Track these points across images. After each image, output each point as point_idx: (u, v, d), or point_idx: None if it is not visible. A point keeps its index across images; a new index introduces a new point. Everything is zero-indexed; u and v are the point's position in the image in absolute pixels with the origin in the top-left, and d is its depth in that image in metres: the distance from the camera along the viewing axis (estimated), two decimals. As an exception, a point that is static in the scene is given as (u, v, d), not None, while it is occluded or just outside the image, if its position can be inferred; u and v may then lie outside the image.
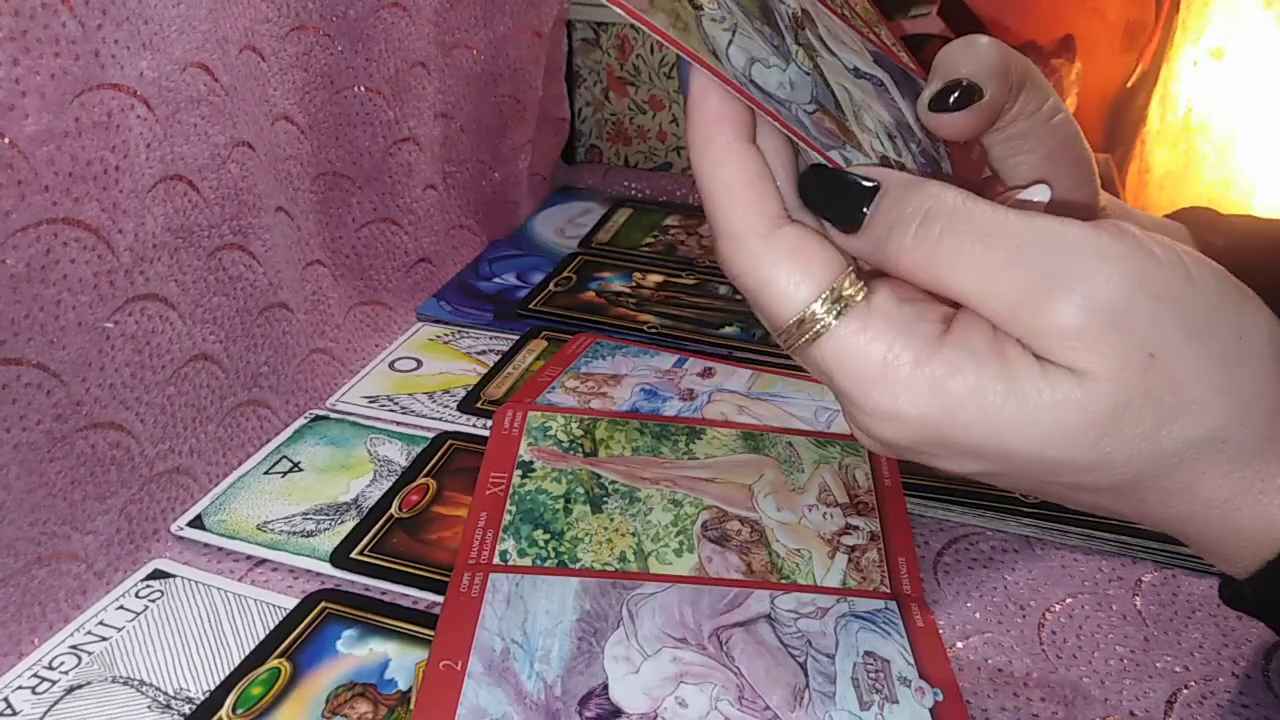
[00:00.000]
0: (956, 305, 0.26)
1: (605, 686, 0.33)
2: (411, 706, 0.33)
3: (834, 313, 0.25)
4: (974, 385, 0.24)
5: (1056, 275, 0.23)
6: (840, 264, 0.26)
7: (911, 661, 0.35)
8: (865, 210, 0.26)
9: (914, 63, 0.36)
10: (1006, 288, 0.24)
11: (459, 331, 0.58)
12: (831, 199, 0.26)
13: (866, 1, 0.36)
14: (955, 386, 0.24)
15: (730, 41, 0.27)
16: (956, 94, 0.30)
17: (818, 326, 0.25)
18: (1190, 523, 0.26)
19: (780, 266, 0.26)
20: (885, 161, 0.29)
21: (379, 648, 0.36)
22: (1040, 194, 0.30)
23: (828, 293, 0.25)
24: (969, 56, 0.30)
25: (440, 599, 0.37)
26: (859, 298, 0.25)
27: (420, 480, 0.44)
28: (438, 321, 0.59)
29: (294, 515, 0.42)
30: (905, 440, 0.25)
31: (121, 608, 0.37)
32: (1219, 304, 0.24)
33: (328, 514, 0.43)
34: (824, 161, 0.27)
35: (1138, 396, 0.23)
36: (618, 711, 0.32)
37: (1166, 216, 0.40)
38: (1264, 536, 0.25)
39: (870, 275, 0.26)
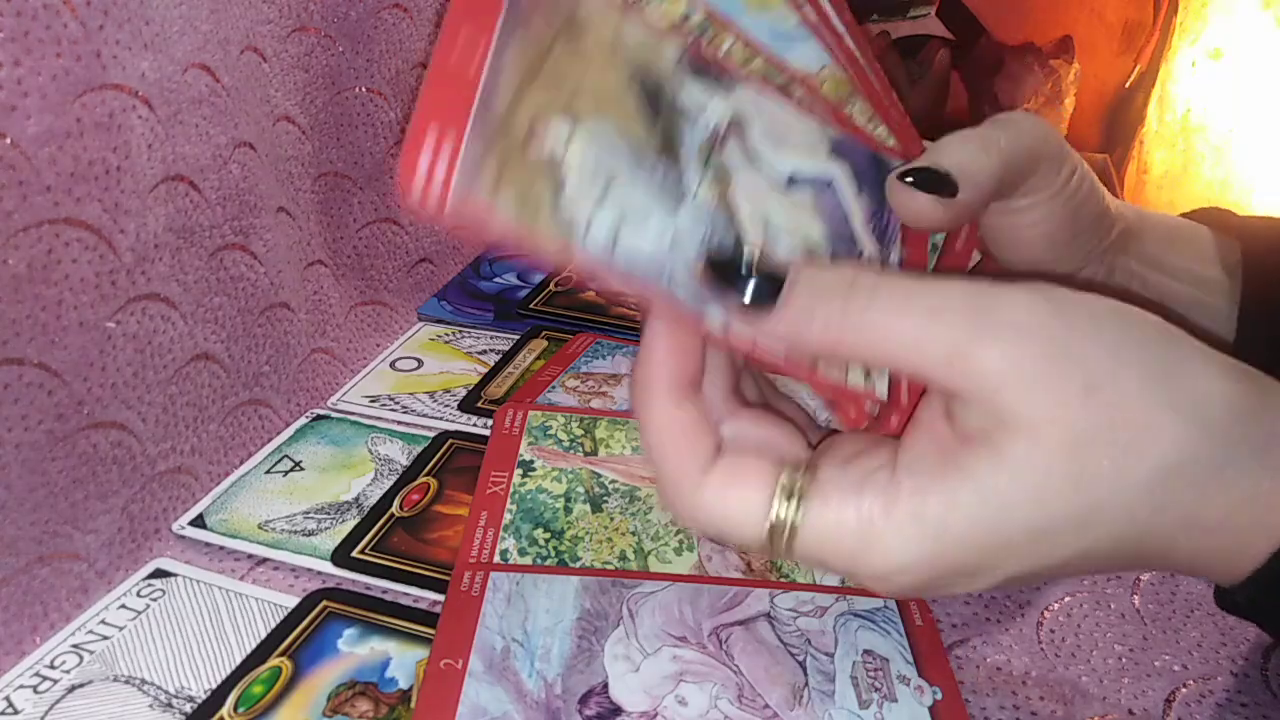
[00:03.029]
0: (890, 436, 0.27)
1: (605, 685, 0.33)
2: (412, 705, 0.33)
3: (793, 509, 0.25)
4: (945, 501, 0.24)
5: (980, 327, 0.24)
6: (773, 465, 0.26)
7: (910, 660, 0.35)
8: (778, 290, 0.26)
9: (901, 132, 0.34)
10: (936, 344, 0.24)
11: (460, 331, 0.58)
12: (741, 278, 0.26)
13: (852, 74, 0.34)
14: (930, 512, 0.24)
15: (598, 208, 0.26)
16: (928, 177, 0.30)
17: (787, 528, 0.26)
18: (1199, 557, 0.26)
19: (725, 500, 0.26)
20: None
21: (380, 646, 0.36)
22: None
23: (777, 495, 0.26)
24: (957, 154, 0.30)
25: (441, 598, 0.37)
26: (807, 483, 0.26)
27: (421, 479, 0.45)
28: (439, 321, 0.59)
29: (295, 514, 0.42)
30: (920, 581, 0.26)
31: (123, 607, 0.37)
32: (1133, 330, 0.25)
33: (329, 513, 0.43)
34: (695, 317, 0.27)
35: (1089, 430, 0.23)
36: (618, 710, 0.33)
37: (1185, 216, 0.40)
38: (1258, 542, 0.25)
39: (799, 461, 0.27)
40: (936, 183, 0.30)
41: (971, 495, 0.24)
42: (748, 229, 0.29)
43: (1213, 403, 0.24)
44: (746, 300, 0.26)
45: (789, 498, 0.26)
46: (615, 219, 0.26)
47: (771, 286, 0.26)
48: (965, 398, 0.25)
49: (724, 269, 0.26)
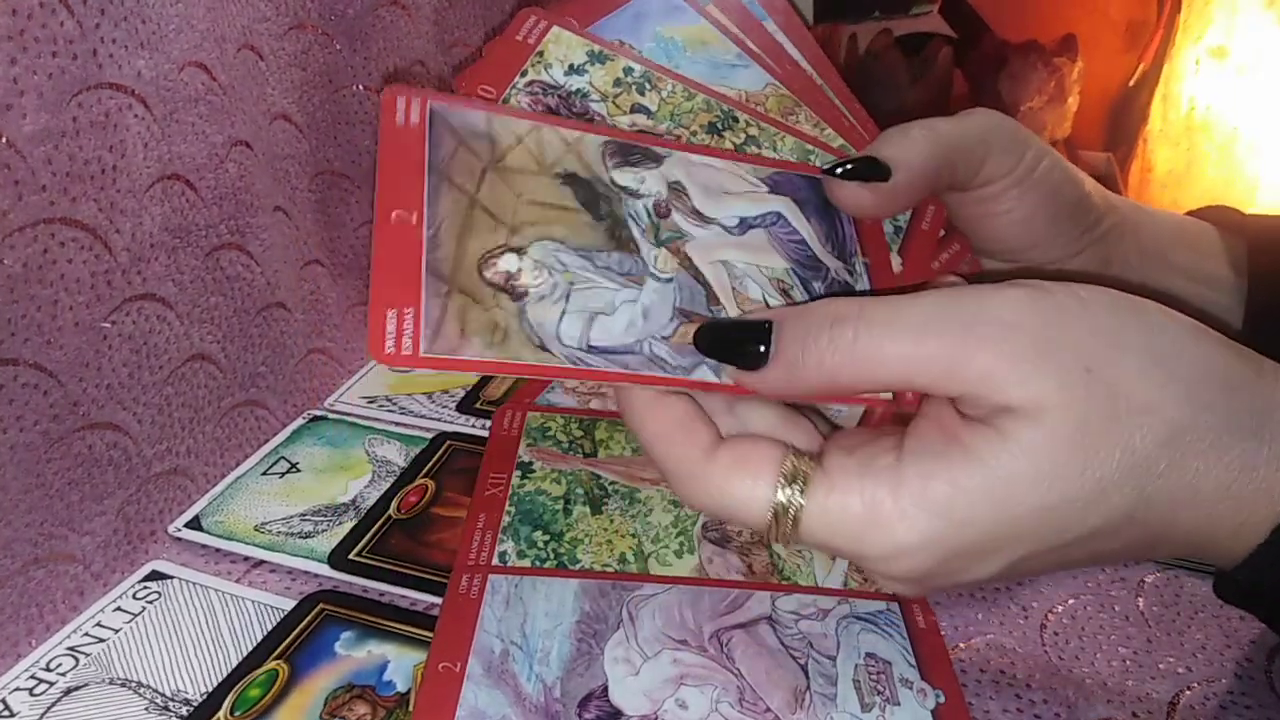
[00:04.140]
0: (897, 429, 0.27)
1: (605, 688, 0.33)
2: (410, 708, 0.33)
3: (799, 492, 0.26)
4: (951, 481, 0.24)
5: (969, 332, 0.24)
6: (780, 449, 0.27)
7: (913, 663, 0.35)
8: (767, 345, 0.26)
9: (848, 131, 0.36)
10: (931, 359, 0.24)
11: (458, 331, 0.58)
12: (730, 345, 0.27)
13: (795, 88, 0.36)
14: (936, 493, 0.24)
15: (563, 313, 0.27)
16: (857, 165, 0.31)
17: (792, 511, 0.26)
18: (1200, 531, 0.26)
19: (731, 482, 0.26)
20: None
21: (377, 649, 0.36)
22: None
23: (783, 479, 0.26)
24: (894, 143, 0.31)
25: (439, 600, 0.37)
26: (811, 469, 0.26)
27: (419, 481, 0.44)
28: (437, 321, 0.59)
29: (292, 516, 0.42)
30: (923, 568, 0.26)
31: (119, 609, 0.37)
32: (1125, 315, 0.25)
33: (326, 515, 0.42)
34: (686, 391, 0.28)
35: (1092, 411, 0.24)
36: (618, 713, 0.32)
37: (1190, 214, 0.40)
38: (1259, 511, 0.25)
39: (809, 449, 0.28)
40: (868, 170, 0.31)
41: (978, 476, 0.24)
42: (713, 281, 0.30)
43: (1211, 378, 0.24)
44: (738, 361, 0.27)
45: (793, 482, 0.26)
46: (582, 318, 0.27)
47: (759, 342, 0.26)
48: (969, 399, 0.25)
49: (711, 336, 0.27)
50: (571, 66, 0.34)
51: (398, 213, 0.27)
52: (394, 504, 0.43)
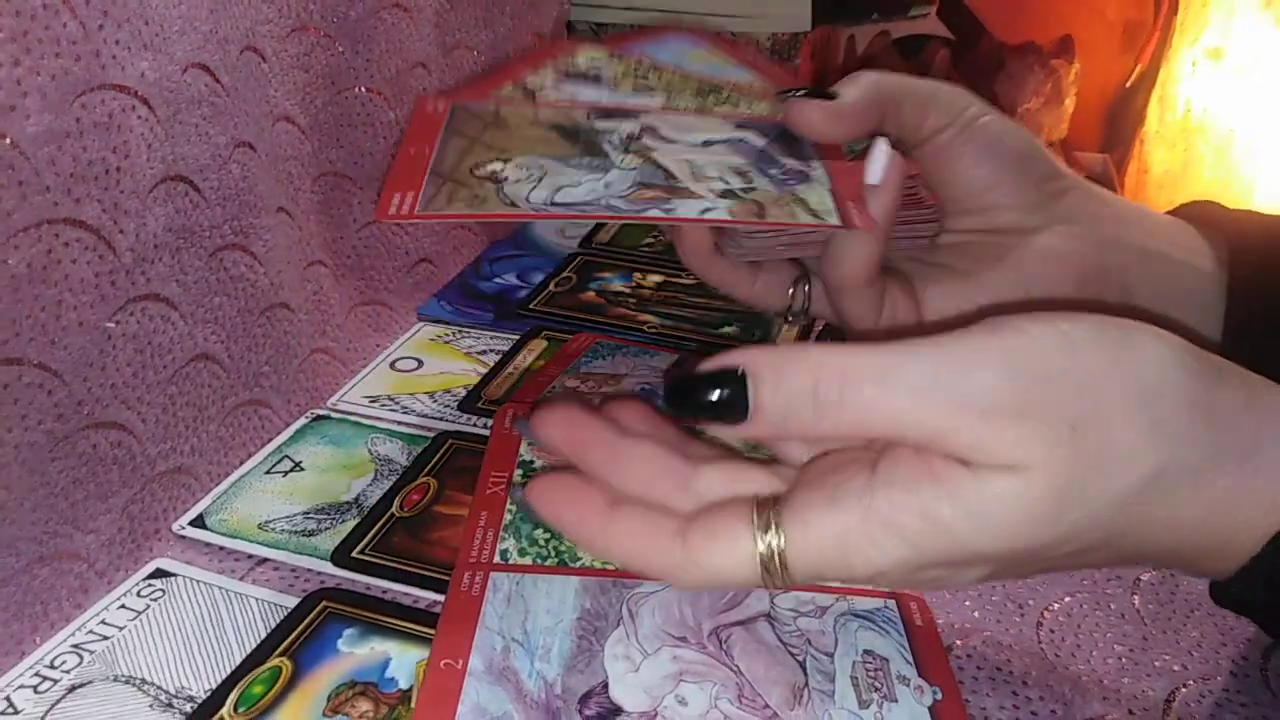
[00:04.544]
0: (870, 452, 0.27)
1: (605, 685, 0.33)
2: (412, 705, 0.33)
3: (777, 538, 0.26)
4: (922, 514, 0.25)
5: (954, 395, 0.24)
6: (745, 505, 0.27)
7: (910, 660, 0.35)
8: (744, 399, 0.26)
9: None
10: (918, 428, 0.25)
11: (460, 331, 0.58)
12: (702, 405, 0.27)
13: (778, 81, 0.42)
14: (908, 524, 0.25)
15: (533, 188, 0.34)
16: (804, 90, 0.36)
17: (776, 556, 0.26)
18: (1180, 552, 0.26)
19: (714, 557, 0.27)
20: (729, 193, 0.34)
21: (380, 646, 0.36)
22: (880, 153, 0.35)
23: (758, 530, 0.26)
24: (847, 80, 0.36)
25: (441, 598, 0.37)
26: (781, 512, 0.26)
27: (421, 480, 0.45)
28: (438, 321, 0.59)
29: (295, 514, 0.42)
30: (905, 582, 0.27)
31: (123, 607, 0.37)
32: (1110, 352, 0.25)
33: (329, 513, 0.43)
34: (648, 222, 0.33)
35: (1077, 467, 0.24)
36: (618, 710, 0.33)
37: (1169, 213, 0.40)
38: (1244, 539, 0.25)
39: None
40: (815, 92, 0.36)
41: (948, 514, 0.24)
42: (673, 168, 0.35)
43: (1196, 414, 0.25)
44: (714, 420, 0.27)
45: (767, 529, 0.26)
46: (550, 189, 0.34)
47: (736, 393, 0.26)
48: (962, 458, 0.25)
49: (680, 393, 0.27)
50: (592, 59, 0.42)
51: (414, 150, 0.35)
52: (396, 502, 0.43)
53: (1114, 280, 0.37)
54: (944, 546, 0.25)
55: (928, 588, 0.28)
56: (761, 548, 0.26)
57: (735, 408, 0.26)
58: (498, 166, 0.34)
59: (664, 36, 0.44)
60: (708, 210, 0.33)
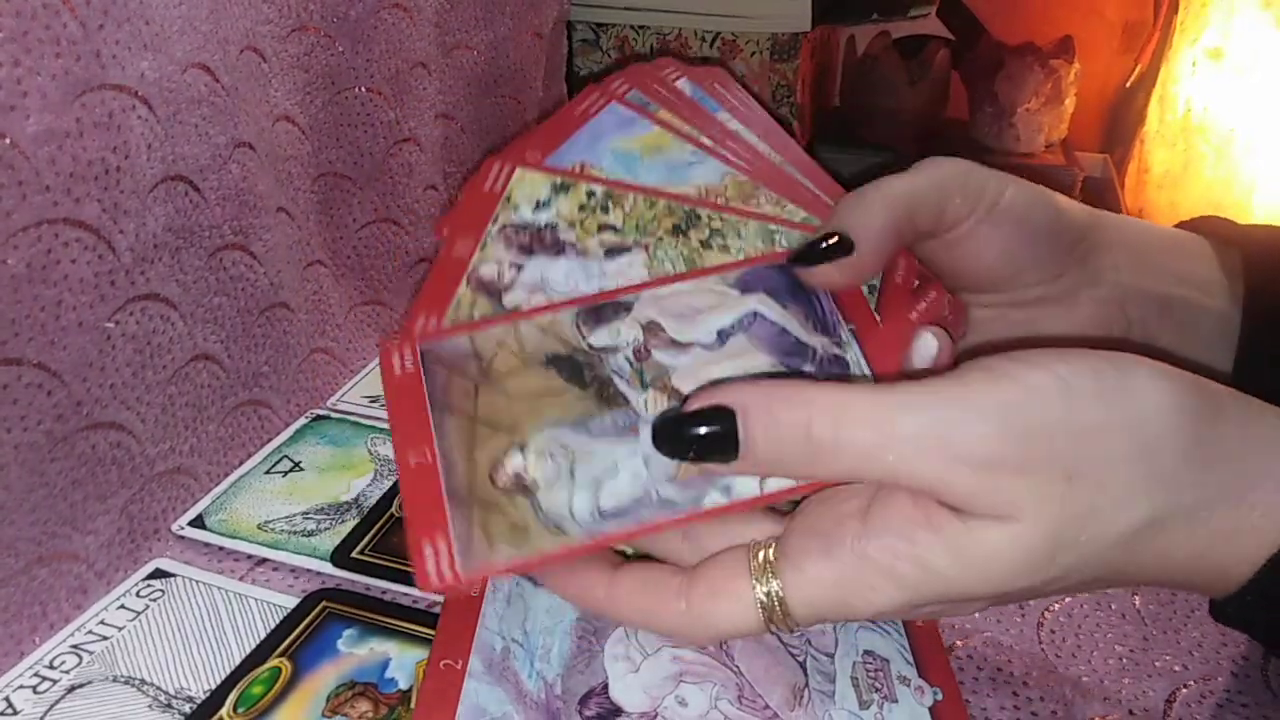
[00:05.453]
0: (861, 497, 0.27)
1: (605, 685, 0.33)
2: (412, 705, 0.33)
3: (776, 586, 0.26)
4: (917, 562, 0.25)
5: (951, 447, 0.24)
6: (742, 552, 0.27)
7: (911, 660, 0.35)
8: (734, 438, 0.26)
9: (810, 203, 0.36)
10: (914, 474, 0.25)
11: (459, 332, 0.58)
12: (691, 438, 0.26)
13: (752, 173, 0.37)
14: (904, 571, 0.25)
15: (573, 492, 0.29)
16: (820, 249, 0.32)
17: (776, 605, 0.26)
18: (1175, 581, 0.27)
19: (718, 611, 0.27)
20: None
21: (379, 647, 0.36)
22: (926, 347, 0.31)
23: (755, 578, 0.27)
24: (852, 212, 0.32)
25: (440, 598, 0.37)
26: (777, 558, 0.27)
27: (420, 480, 0.44)
28: (438, 322, 0.59)
29: (295, 515, 0.42)
30: (906, 617, 0.27)
31: (122, 607, 0.37)
32: (1108, 399, 0.24)
33: (328, 513, 0.43)
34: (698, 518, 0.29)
35: (1071, 516, 0.24)
36: (618, 710, 0.33)
37: (1181, 225, 0.40)
38: (1241, 569, 0.26)
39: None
40: (832, 250, 0.32)
41: (942, 561, 0.25)
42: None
43: (1193, 458, 0.25)
44: (704, 454, 0.26)
45: (765, 574, 0.27)
46: (590, 489, 0.29)
47: (727, 431, 0.26)
48: (957, 508, 0.25)
49: (673, 428, 0.27)
50: (538, 203, 0.36)
51: (416, 459, 0.30)
52: (396, 502, 0.43)
53: (1136, 332, 0.37)
54: (941, 590, 0.25)
55: (928, 619, 0.28)
56: (760, 594, 0.26)
57: (726, 445, 0.26)
58: (518, 463, 0.30)
59: (600, 125, 0.39)
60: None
